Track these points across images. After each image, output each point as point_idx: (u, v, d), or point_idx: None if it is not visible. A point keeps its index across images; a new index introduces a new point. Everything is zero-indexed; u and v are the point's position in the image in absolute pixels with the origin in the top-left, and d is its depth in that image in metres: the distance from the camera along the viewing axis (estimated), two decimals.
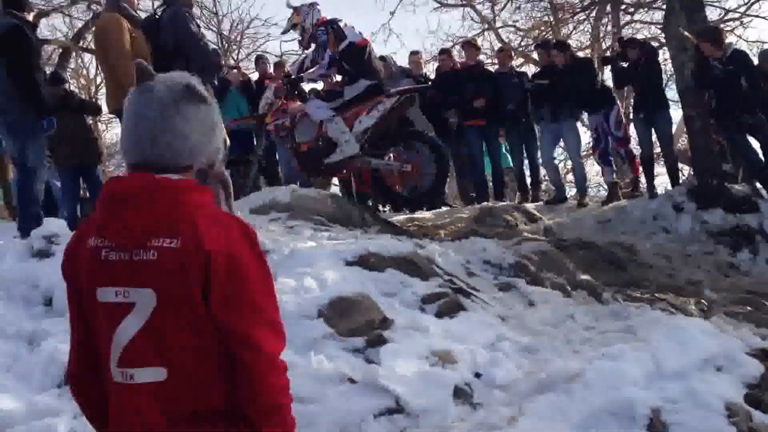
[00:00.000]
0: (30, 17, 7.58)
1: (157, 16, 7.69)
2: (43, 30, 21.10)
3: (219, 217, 2.24)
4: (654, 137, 11.46)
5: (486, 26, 23.92)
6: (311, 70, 9.38)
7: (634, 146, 12.65)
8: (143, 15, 8.57)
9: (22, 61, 7.21)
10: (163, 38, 7.50)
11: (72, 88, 15.79)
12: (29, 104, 7.18)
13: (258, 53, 18.94)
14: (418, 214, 10.63)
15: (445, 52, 12.79)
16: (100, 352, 2.22)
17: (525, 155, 12.06)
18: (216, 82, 9.12)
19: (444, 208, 10.93)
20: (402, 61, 12.59)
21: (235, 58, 24.83)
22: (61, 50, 20.72)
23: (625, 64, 11.09)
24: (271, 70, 12.18)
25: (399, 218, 10.21)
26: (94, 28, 7.74)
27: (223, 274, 2.13)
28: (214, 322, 2.15)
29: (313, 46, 9.40)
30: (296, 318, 5.51)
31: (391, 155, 9.25)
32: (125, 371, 2.15)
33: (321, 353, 5.14)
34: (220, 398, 2.19)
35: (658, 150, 12.64)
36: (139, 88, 2.25)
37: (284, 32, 10.15)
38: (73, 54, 22.21)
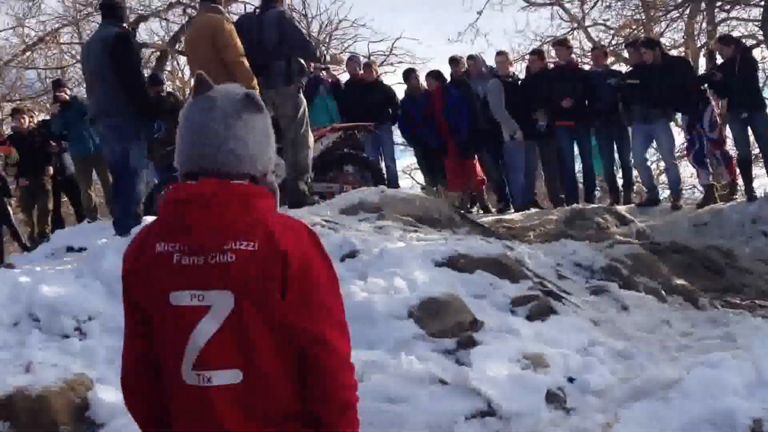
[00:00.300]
0: (127, 24, 7.84)
1: (257, 16, 8.40)
2: (141, 34, 21.66)
3: (288, 221, 2.30)
4: (751, 138, 11.13)
5: (575, 25, 23.61)
6: None
7: (730, 147, 12.32)
8: None
9: (130, 67, 7.54)
10: (267, 35, 8.19)
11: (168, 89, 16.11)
12: (135, 108, 7.46)
13: (348, 54, 19.07)
14: (507, 216, 10.55)
15: (536, 53, 12.65)
16: (165, 356, 2.23)
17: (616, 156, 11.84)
18: (305, 82, 9.21)
19: (533, 210, 10.81)
20: (491, 60, 12.48)
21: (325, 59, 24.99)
22: (158, 53, 21.18)
23: (719, 74, 10.75)
24: (361, 71, 12.20)
25: (488, 219, 10.15)
26: (195, 29, 7.83)
27: (298, 276, 2.17)
28: (287, 322, 2.18)
29: None
30: (386, 318, 5.52)
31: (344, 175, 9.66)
32: (202, 374, 2.16)
33: (412, 354, 5.13)
34: (293, 400, 2.21)
35: (756, 151, 12.29)
36: (199, 98, 2.31)
37: None
38: (169, 57, 22.68)
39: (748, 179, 11.00)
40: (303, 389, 2.21)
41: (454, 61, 12.32)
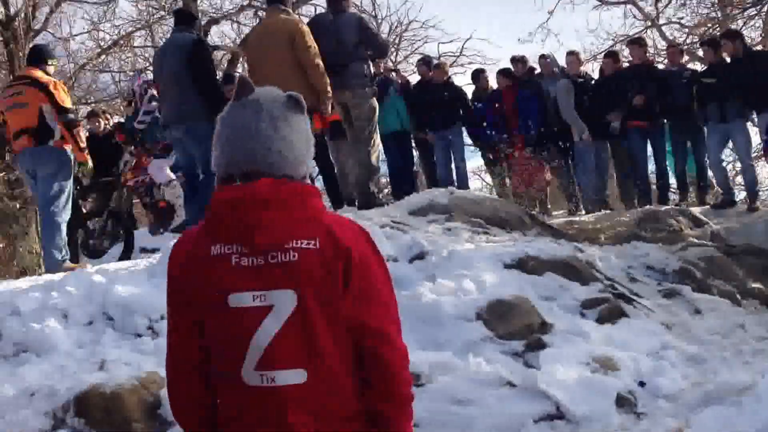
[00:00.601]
0: (199, 30, 7.98)
1: (332, 17, 8.56)
2: (213, 37, 21.94)
3: (342, 219, 2.31)
4: None
5: (649, 24, 23.25)
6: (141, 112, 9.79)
7: None
8: None
9: (207, 73, 7.72)
10: (346, 36, 8.39)
11: None
12: (212, 112, 7.52)
13: (418, 55, 19.07)
14: (578, 218, 10.44)
15: (611, 55, 12.47)
16: (222, 359, 2.22)
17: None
18: (377, 84, 9.27)
19: (605, 212, 10.68)
20: (562, 60, 12.35)
21: (394, 60, 25.07)
22: (229, 56, 21.44)
23: None
24: (431, 72, 12.17)
25: (558, 221, 10.06)
26: (267, 30, 7.91)
27: (359, 273, 2.19)
28: (349, 318, 2.19)
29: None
30: (454, 320, 5.54)
31: None
32: (265, 374, 2.15)
33: (480, 356, 5.15)
34: (355, 399, 2.21)
35: None
36: (242, 100, 2.31)
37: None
38: (240, 59, 22.95)
39: None
40: (363, 387, 2.22)
41: (515, 60, 12.22)
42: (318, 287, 2.15)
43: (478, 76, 12.83)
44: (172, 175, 9.00)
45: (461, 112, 11.93)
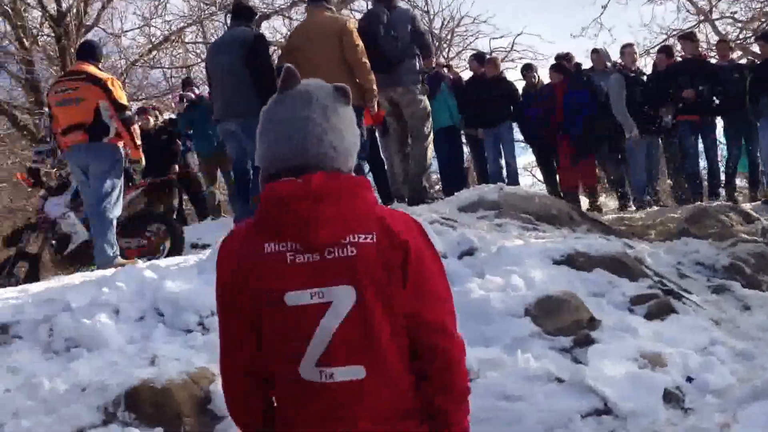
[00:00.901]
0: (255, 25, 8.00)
1: (387, 13, 8.54)
2: (264, 32, 22.03)
3: (395, 212, 2.28)
4: None
5: (702, 18, 23.01)
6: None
7: None
8: None
9: (268, 68, 7.66)
10: (401, 32, 8.46)
11: None
12: None
13: (469, 50, 19.02)
14: (628, 214, 10.43)
15: (664, 51, 12.37)
16: (278, 358, 2.20)
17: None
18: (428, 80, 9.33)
19: (655, 208, 10.65)
20: (615, 54, 12.31)
21: (446, 56, 25.05)
22: (280, 51, 21.57)
23: None
24: (482, 68, 12.17)
25: (608, 217, 10.07)
26: (314, 28, 7.95)
27: (415, 267, 2.16)
28: (407, 312, 2.17)
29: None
30: (503, 316, 5.58)
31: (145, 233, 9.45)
32: (324, 370, 2.13)
33: (528, 352, 5.18)
34: (411, 395, 2.20)
35: None
36: (289, 92, 2.28)
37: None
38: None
39: None
40: (420, 382, 2.21)
41: (560, 58, 12.16)
42: (376, 282, 2.13)
43: (526, 71, 12.82)
44: (64, 209, 9.09)
45: (512, 108, 11.92)
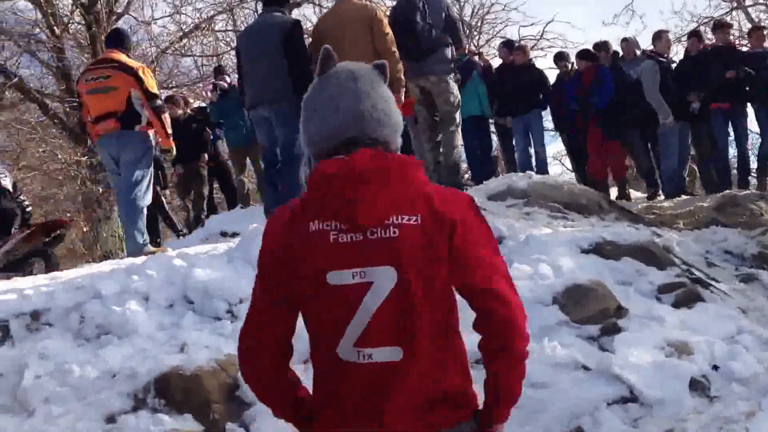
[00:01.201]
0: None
1: (420, 1, 8.43)
2: None
3: (446, 191, 2.26)
4: None
5: (735, 5, 22.79)
6: None
7: None
8: None
9: (304, 54, 7.57)
10: (436, 20, 8.41)
11: None
12: (302, 94, 7.51)
13: (499, 38, 18.93)
14: (657, 203, 10.38)
15: (695, 35, 12.27)
16: (318, 336, 2.22)
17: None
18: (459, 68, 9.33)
19: (684, 197, 10.59)
20: (644, 43, 12.21)
21: (476, 44, 24.97)
22: (309, 38, 21.59)
23: None
24: (512, 56, 12.13)
25: (637, 206, 10.04)
26: (343, 16, 7.92)
27: (464, 241, 2.15)
28: (456, 286, 2.19)
29: None
30: (531, 304, 5.58)
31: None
32: (362, 351, 2.14)
33: (555, 340, 5.21)
34: (447, 378, 2.20)
35: None
36: (333, 71, 2.30)
37: None
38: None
39: None
40: (480, 350, 2.21)
41: (597, 47, 12.08)
42: (418, 263, 2.12)
43: (559, 59, 12.74)
44: None
45: (541, 96, 11.89)
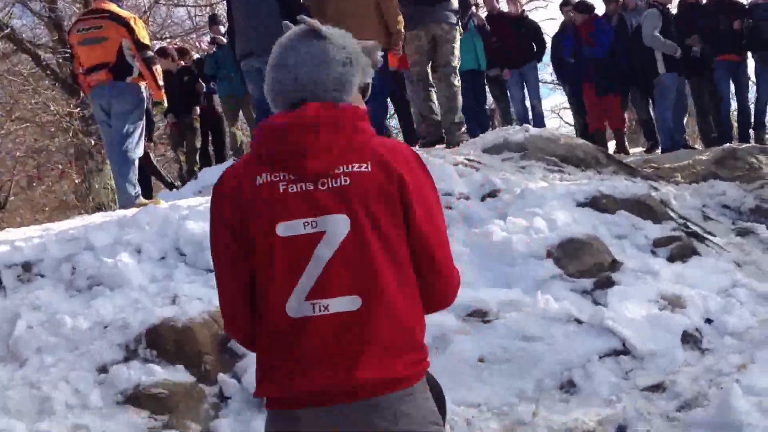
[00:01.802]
0: None
1: None
2: None
3: (392, 142, 2.24)
4: None
5: None
6: None
7: None
8: None
9: (296, 2, 7.29)
10: None
11: None
12: None
13: None
14: (655, 156, 10.31)
15: None
16: (268, 289, 2.13)
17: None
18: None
19: (683, 150, 10.51)
20: None
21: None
22: None
23: None
24: (500, 5, 11.91)
25: (636, 159, 9.97)
26: None
27: (414, 198, 2.13)
28: (409, 245, 2.15)
29: None
30: (525, 258, 5.60)
31: None
32: (318, 302, 2.07)
33: (548, 293, 5.22)
34: (411, 326, 2.15)
35: None
36: (290, 32, 2.30)
37: None
38: None
39: None
40: (415, 315, 2.17)
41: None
42: (372, 211, 2.08)
43: (563, 7, 12.52)
44: None
45: (536, 48, 11.76)
